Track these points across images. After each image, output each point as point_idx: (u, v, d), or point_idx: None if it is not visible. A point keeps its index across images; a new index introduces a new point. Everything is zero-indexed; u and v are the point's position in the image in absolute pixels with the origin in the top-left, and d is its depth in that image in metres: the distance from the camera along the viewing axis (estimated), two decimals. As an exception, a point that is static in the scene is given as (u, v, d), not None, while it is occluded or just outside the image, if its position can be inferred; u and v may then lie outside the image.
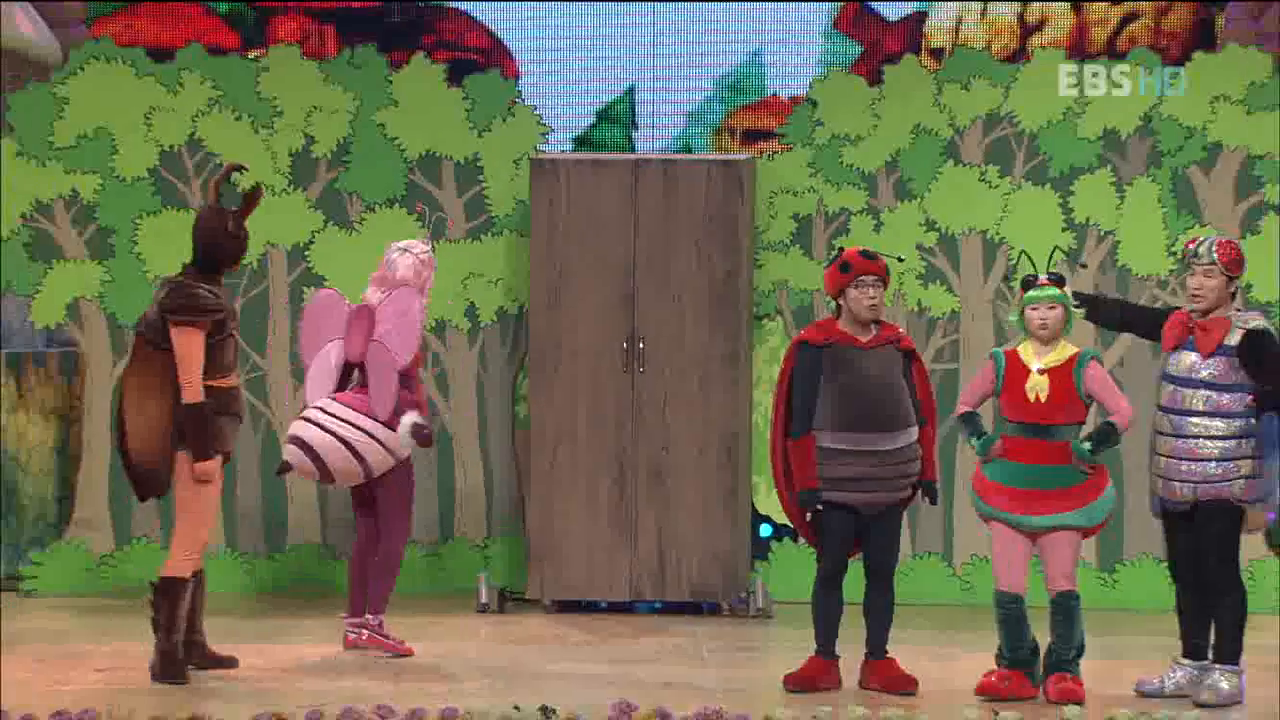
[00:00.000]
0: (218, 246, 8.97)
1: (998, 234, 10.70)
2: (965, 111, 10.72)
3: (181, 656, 8.94)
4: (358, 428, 9.31)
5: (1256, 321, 8.70)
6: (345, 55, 10.95)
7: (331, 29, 12.49)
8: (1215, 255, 8.67)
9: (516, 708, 7.83)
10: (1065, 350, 8.69)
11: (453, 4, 12.65)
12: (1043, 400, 8.63)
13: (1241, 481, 8.65)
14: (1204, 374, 8.66)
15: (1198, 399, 8.66)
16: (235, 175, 9.35)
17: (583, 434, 10.43)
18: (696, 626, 10.18)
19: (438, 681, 8.94)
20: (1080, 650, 8.71)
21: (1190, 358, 8.69)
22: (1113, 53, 11.68)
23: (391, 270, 9.52)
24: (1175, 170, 10.66)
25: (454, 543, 10.87)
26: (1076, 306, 8.77)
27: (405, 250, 9.57)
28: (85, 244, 10.79)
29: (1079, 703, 8.38)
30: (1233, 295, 8.73)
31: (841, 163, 10.76)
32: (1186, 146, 10.64)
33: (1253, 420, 8.67)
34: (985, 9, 12.51)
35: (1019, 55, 12.20)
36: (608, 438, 10.42)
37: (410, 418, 9.33)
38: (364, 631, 9.46)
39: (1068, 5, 12.36)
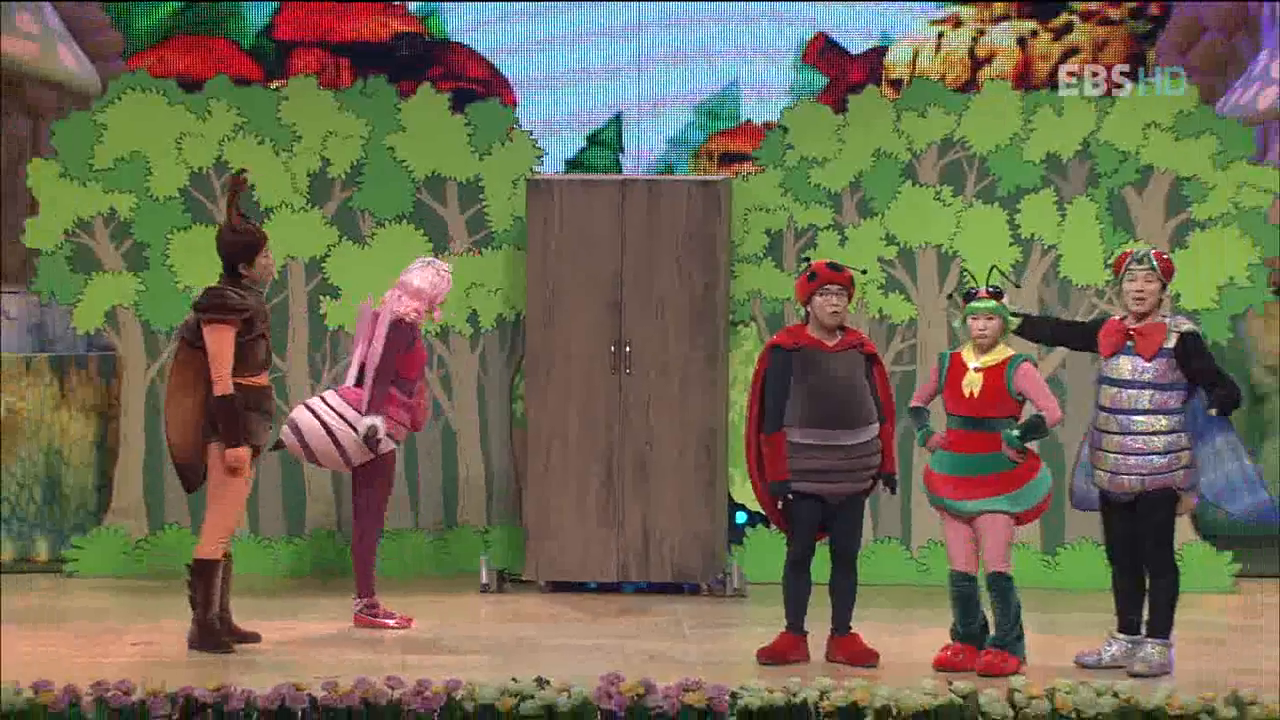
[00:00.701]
0: (227, 247, 8.98)
1: (951, 248, 10.71)
2: (922, 137, 10.72)
3: (218, 628, 8.99)
4: (343, 418, 9.40)
5: (1188, 326, 8.79)
6: (358, 85, 10.93)
7: (346, 62, 12.54)
8: (1155, 262, 8.77)
9: (514, 679, 7.82)
10: (1002, 353, 8.77)
11: (456, 39, 12.73)
12: (976, 396, 8.71)
13: (1182, 471, 8.74)
14: (1147, 375, 8.71)
15: (1143, 398, 8.71)
16: (245, 180, 9.23)
17: (574, 431, 10.45)
18: (678, 605, 10.20)
19: (442, 654, 8.96)
20: (1019, 634, 8.73)
21: (1130, 361, 8.74)
22: (1054, 85, 11.74)
23: (408, 275, 9.61)
24: (1111, 190, 10.66)
25: (458, 529, 10.88)
26: (1014, 315, 8.88)
27: (430, 263, 9.66)
28: (122, 257, 10.78)
29: (1001, 674, 8.42)
30: (1160, 302, 8.84)
31: (810, 183, 10.76)
32: (1121, 169, 10.64)
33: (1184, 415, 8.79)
34: (940, 43, 12.59)
35: (970, 86, 12.23)
36: (597, 434, 10.43)
37: (368, 420, 9.39)
38: (361, 614, 9.51)
39: (1014, 40, 12.46)
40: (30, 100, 12.46)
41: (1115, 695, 7.78)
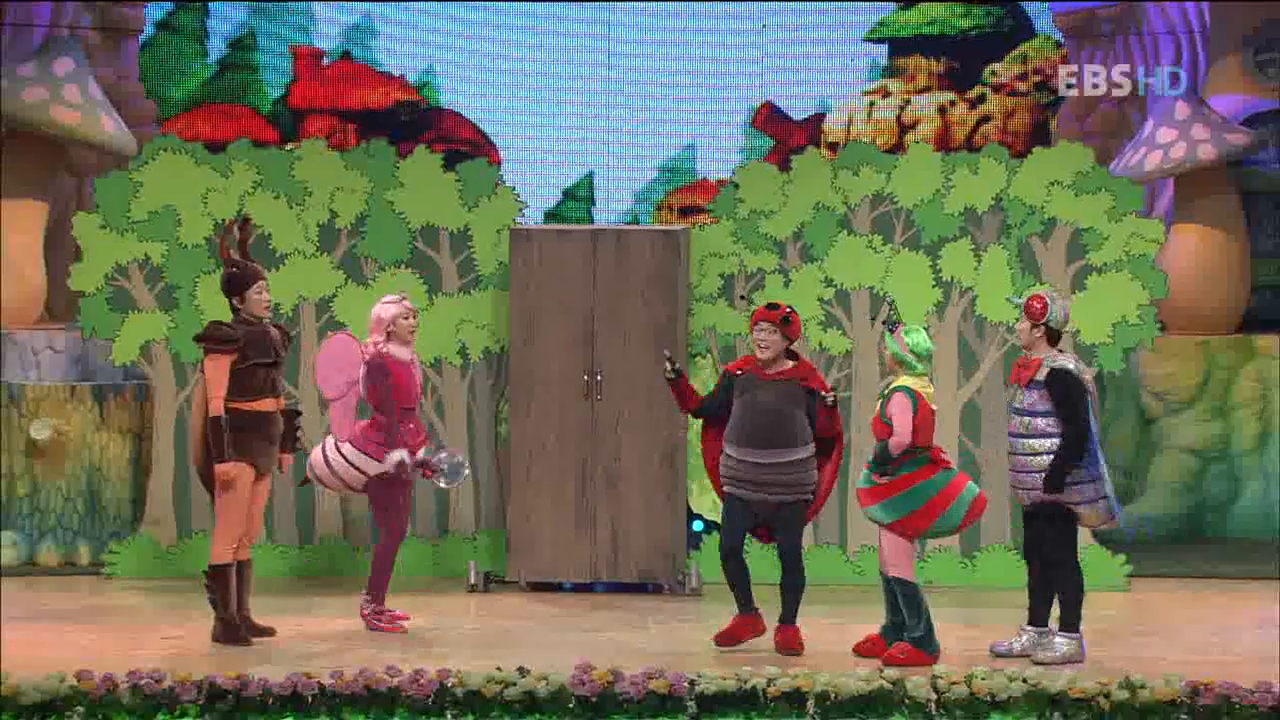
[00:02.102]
0: (222, 283, 9.00)
1: (882, 290, 10.66)
2: (856, 192, 10.68)
3: (238, 624, 8.95)
4: (339, 452, 9.30)
5: (1060, 362, 8.72)
6: (362, 147, 10.87)
7: (352, 126, 12.58)
8: (1022, 309, 8.80)
9: (499, 668, 7.81)
10: (895, 382, 8.76)
11: (448, 107, 12.76)
12: (873, 419, 8.79)
13: (1071, 487, 8.65)
14: (1025, 404, 8.73)
15: (1022, 424, 8.72)
16: (249, 225, 9.25)
17: (552, 448, 10.42)
18: (643, 602, 10.16)
19: (435, 647, 8.94)
20: (924, 632, 8.62)
21: (1017, 391, 8.77)
22: (971, 147, 11.78)
23: (371, 314, 9.44)
24: (1020, 240, 10.63)
25: (449, 536, 10.82)
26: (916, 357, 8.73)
27: (383, 299, 9.47)
28: (155, 298, 10.71)
29: (895, 666, 8.32)
30: (1051, 339, 8.75)
31: (758, 232, 10.71)
32: (1029, 221, 10.60)
33: None
34: (871, 111, 12.67)
35: (897, 148, 12.30)
36: (572, 451, 10.40)
37: (394, 456, 9.24)
38: (369, 616, 9.37)
39: (935, 109, 12.53)
40: (75, 161, 12.46)
41: (1025, 681, 7.77)
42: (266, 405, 8.99)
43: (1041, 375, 8.69)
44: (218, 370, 8.82)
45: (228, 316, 9.13)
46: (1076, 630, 8.75)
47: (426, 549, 10.83)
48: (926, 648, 8.65)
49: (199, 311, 10.69)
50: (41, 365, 11.48)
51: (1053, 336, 8.77)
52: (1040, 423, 8.69)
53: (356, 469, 9.29)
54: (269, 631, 9.13)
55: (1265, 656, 8.66)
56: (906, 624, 8.69)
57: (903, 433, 8.62)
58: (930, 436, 8.68)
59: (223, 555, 8.95)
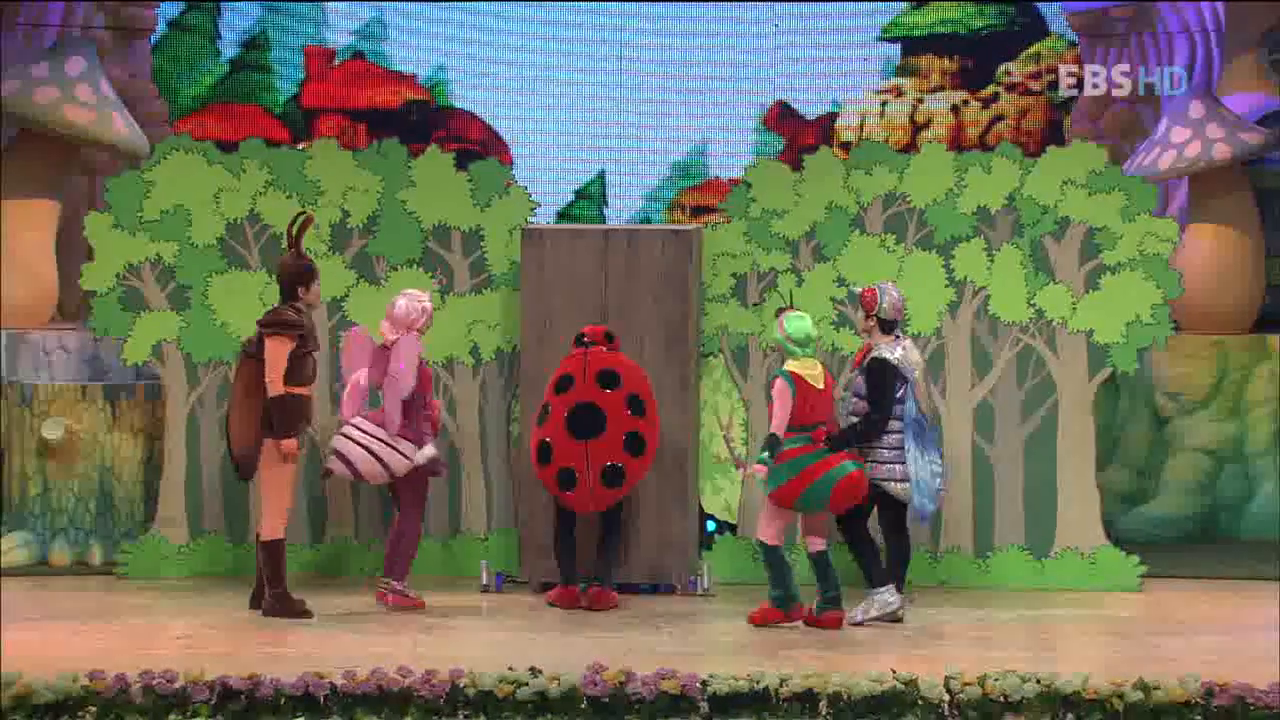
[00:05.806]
0: (290, 271, 9.42)
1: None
2: (868, 191, 10.67)
3: (295, 597, 9.34)
4: (379, 439, 9.46)
5: (880, 351, 9.33)
6: (374, 147, 10.87)
7: (363, 126, 12.60)
8: (856, 298, 9.51)
9: (511, 668, 7.81)
10: (781, 367, 9.36)
11: (460, 106, 12.78)
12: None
13: (876, 465, 9.25)
14: (854, 387, 9.40)
15: (849, 405, 9.35)
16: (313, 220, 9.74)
17: (564, 448, 10.49)
18: (655, 603, 10.14)
19: (447, 647, 8.93)
20: (783, 591, 9.21)
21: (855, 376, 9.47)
22: (984, 146, 11.76)
23: (392, 307, 9.77)
24: (1033, 239, 10.61)
25: (461, 536, 10.84)
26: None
27: (404, 293, 9.83)
28: (167, 298, 10.73)
29: (769, 624, 9.08)
30: (883, 328, 9.32)
31: (770, 232, 10.71)
32: (1042, 220, 10.60)
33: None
34: (884, 110, 12.67)
35: (910, 147, 12.30)
36: (584, 451, 10.46)
37: (428, 450, 9.66)
38: (388, 593, 9.65)
39: (948, 108, 12.52)
40: (87, 161, 12.48)
41: (1038, 682, 7.78)
42: (310, 391, 9.40)
43: (866, 363, 9.34)
44: (279, 352, 9.21)
45: (236, 315, 9.40)
46: (887, 584, 9.20)
47: (438, 549, 10.83)
48: (783, 607, 9.25)
49: (210, 311, 10.72)
50: (53, 365, 11.50)
51: (884, 325, 9.40)
52: (863, 405, 9.35)
53: (403, 455, 9.54)
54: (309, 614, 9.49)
55: (1280, 657, 8.65)
56: (777, 589, 9.18)
57: (779, 420, 9.13)
58: (812, 416, 9.15)
59: (277, 530, 9.34)
